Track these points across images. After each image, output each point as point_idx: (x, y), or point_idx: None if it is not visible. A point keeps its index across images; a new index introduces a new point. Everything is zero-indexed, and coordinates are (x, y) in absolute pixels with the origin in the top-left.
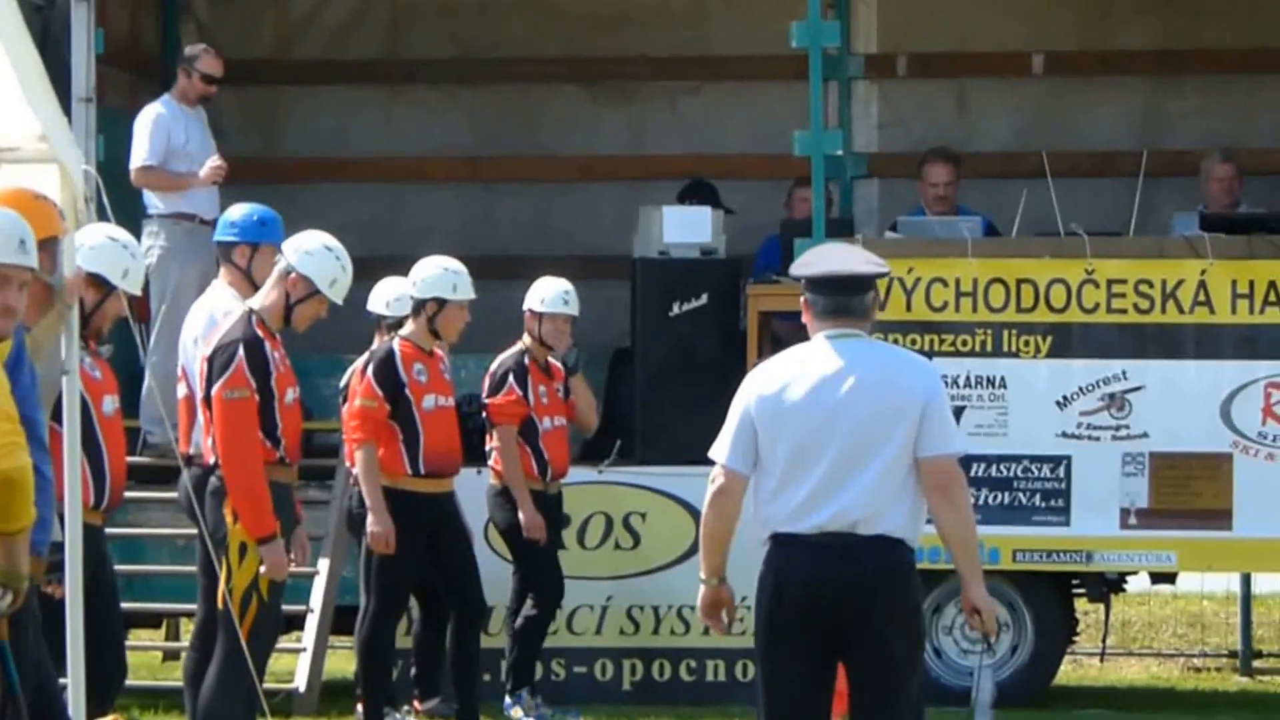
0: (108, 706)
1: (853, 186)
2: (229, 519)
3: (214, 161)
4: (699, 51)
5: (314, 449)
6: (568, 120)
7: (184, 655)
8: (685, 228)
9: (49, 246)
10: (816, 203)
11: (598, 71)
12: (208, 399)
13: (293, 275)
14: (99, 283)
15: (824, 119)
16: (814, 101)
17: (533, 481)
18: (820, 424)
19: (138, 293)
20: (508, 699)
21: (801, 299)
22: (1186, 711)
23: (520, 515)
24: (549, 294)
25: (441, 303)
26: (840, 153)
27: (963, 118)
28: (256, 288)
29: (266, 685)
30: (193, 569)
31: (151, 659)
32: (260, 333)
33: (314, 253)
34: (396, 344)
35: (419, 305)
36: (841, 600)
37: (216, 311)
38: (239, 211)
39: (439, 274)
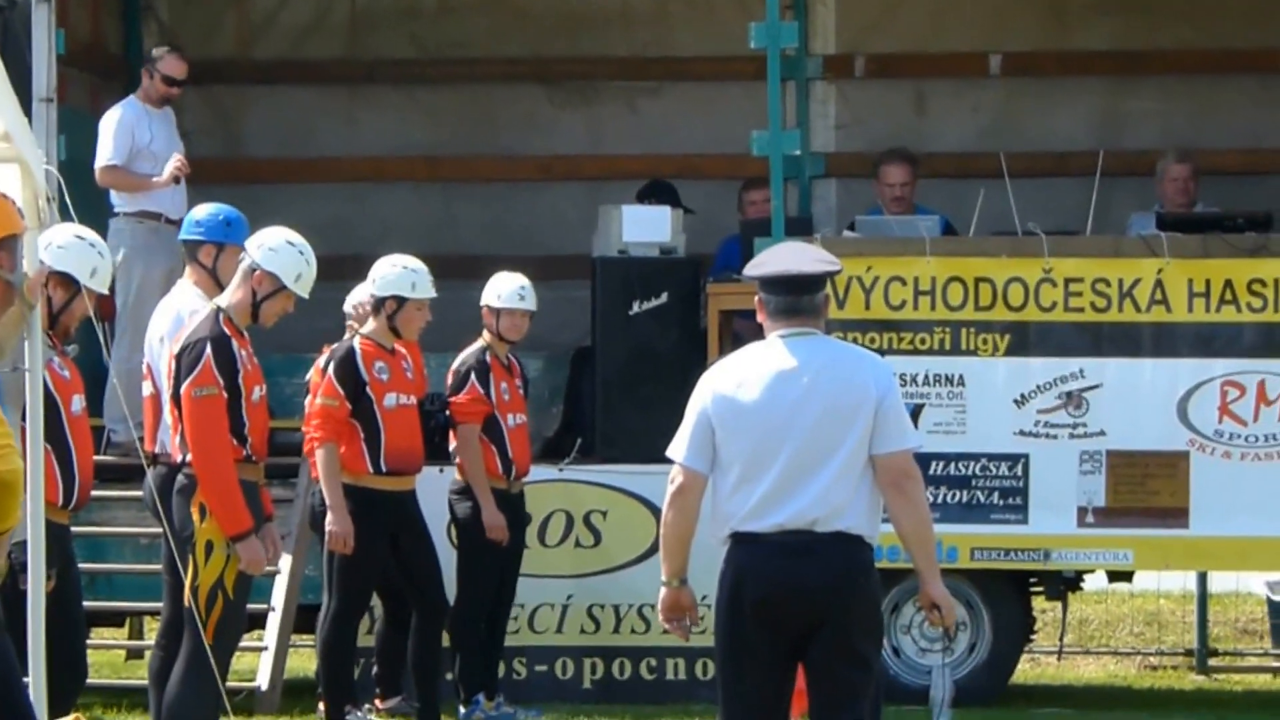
0: (68, 707)
1: (811, 186)
2: (196, 516)
3: (175, 160)
4: (658, 52)
5: (276, 447)
6: (528, 120)
7: (149, 654)
8: (645, 227)
9: (9, 245)
10: (775, 202)
11: (557, 72)
12: (176, 397)
13: (258, 272)
14: (67, 282)
15: (782, 119)
16: (772, 102)
17: (496, 480)
18: (776, 423)
19: (105, 291)
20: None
21: (756, 299)
22: (1143, 709)
23: (483, 515)
24: (505, 290)
25: (401, 301)
26: (799, 153)
27: (920, 118)
28: (222, 287)
29: (229, 684)
30: (156, 567)
31: (115, 657)
32: (227, 330)
33: (278, 249)
34: (357, 342)
35: (379, 303)
36: (802, 598)
37: (183, 310)
38: (204, 211)
39: (398, 272)
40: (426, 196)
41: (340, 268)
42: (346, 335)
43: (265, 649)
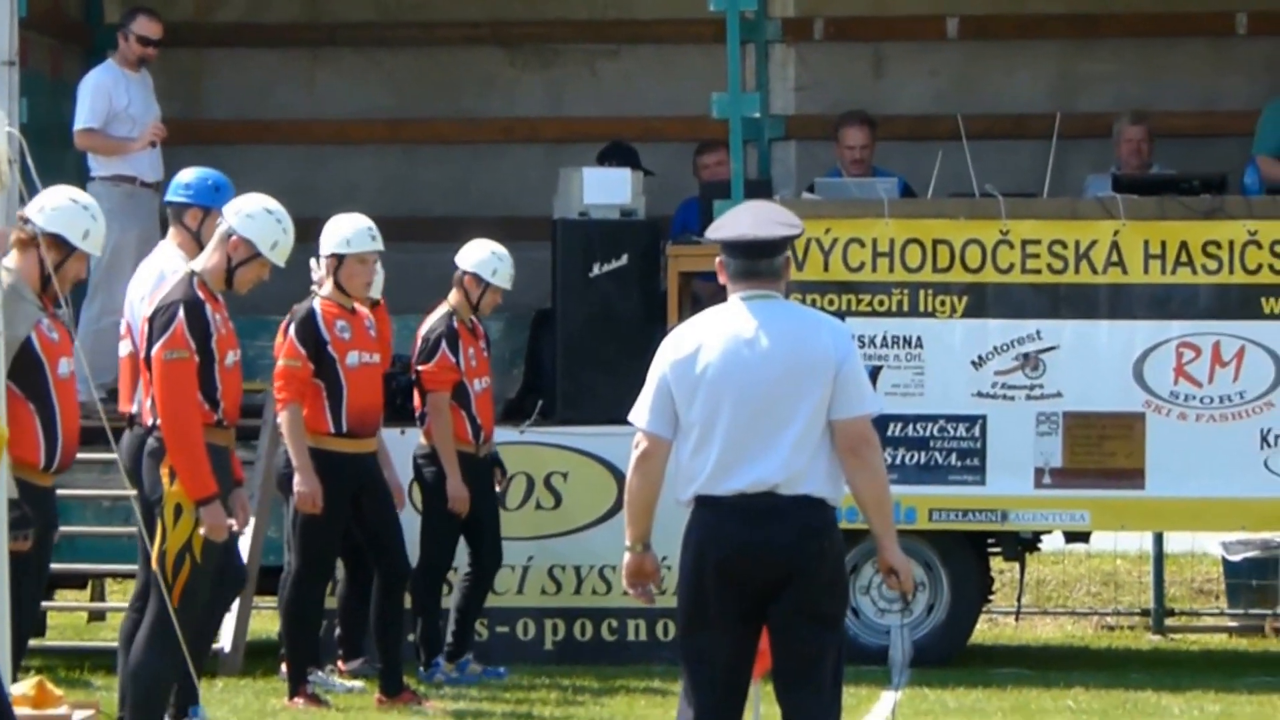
0: (19, 663)
1: (770, 149)
2: (165, 480)
3: (153, 125)
4: (618, 15)
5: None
6: (488, 83)
7: (123, 616)
8: (605, 189)
9: None
10: (735, 164)
11: (518, 35)
12: (148, 360)
13: (234, 238)
14: (60, 244)
15: (742, 82)
16: (732, 64)
17: (465, 445)
18: (733, 387)
19: (97, 253)
20: (443, 662)
21: (717, 260)
22: (1100, 669)
23: (448, 485)
24: (503, 270)
25: (340, 258)
26: (758, 115)
27: (879, 81)
28: (203, 249)
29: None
30: (119, 530)
31: (77, 620)
32: (201, 294)
33: (255, 215)
34: (318, 303)
35: (327, 263)
36: (765, 561)
37: (165, 271)
38: (193, 174)
39: (334, 229)
40: (387, 159)
41: (302, 230)
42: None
43: (228, 611)
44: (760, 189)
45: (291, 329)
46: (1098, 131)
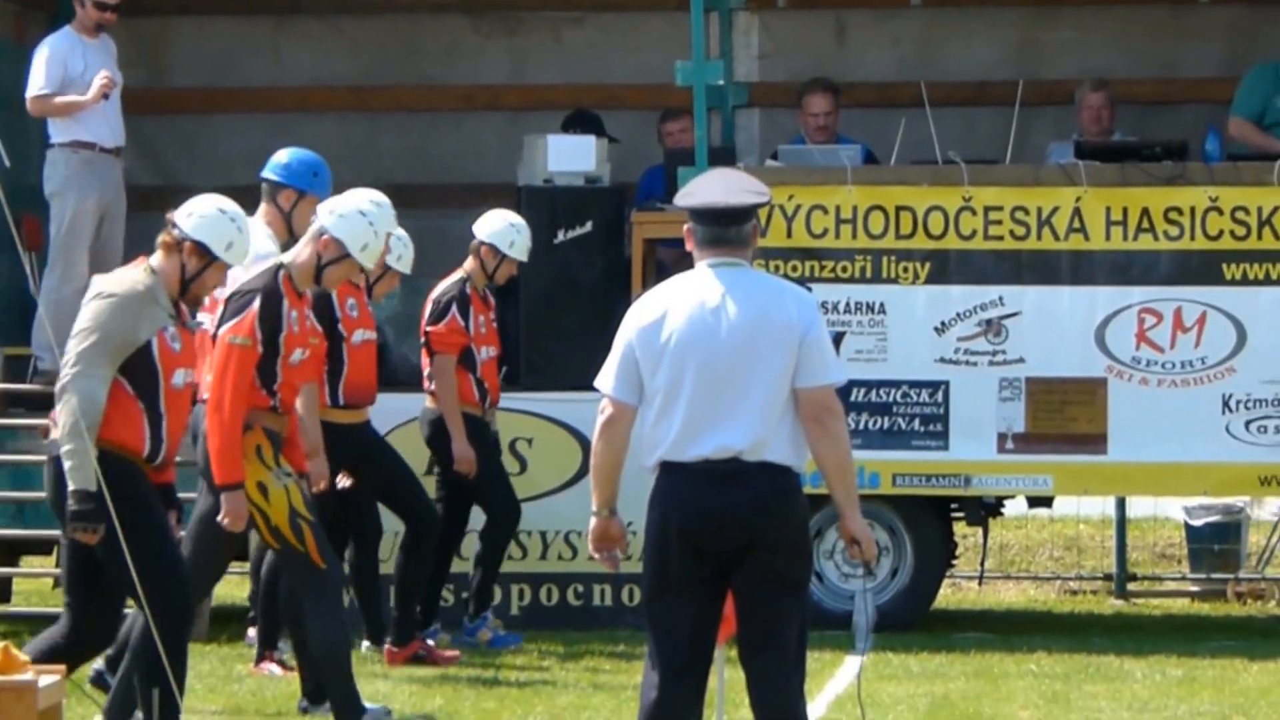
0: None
1: (734, 116)
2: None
3: (101, 77)
4: None
5: None
6: (451, 50)
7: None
8: (569, 156)
9: None
10: (699, 132)
11: (482, 2)
12: (215, 336)
13: (325, 237)
14: (202, 252)
15: (706, 49)
16: (695, 32)
17: (473, 408)
18: (698, 354)
19: (240, 265)
20: (468, 622)
21: (685, 227)
22: (1062, 634)
23: (453, 447)
24: (521, 241)
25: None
26: (722, 83)
27: (842, 48)
28: (293, 232)
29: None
30: None
31: (43, 585)
32: (284, 288)
33: (347, 216)
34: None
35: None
36: (729, 526)
37: (255, 248)
38: (293, 155)
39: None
40: (351, 126)
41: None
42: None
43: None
44: (724, 156)
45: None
46: (1060, 98)
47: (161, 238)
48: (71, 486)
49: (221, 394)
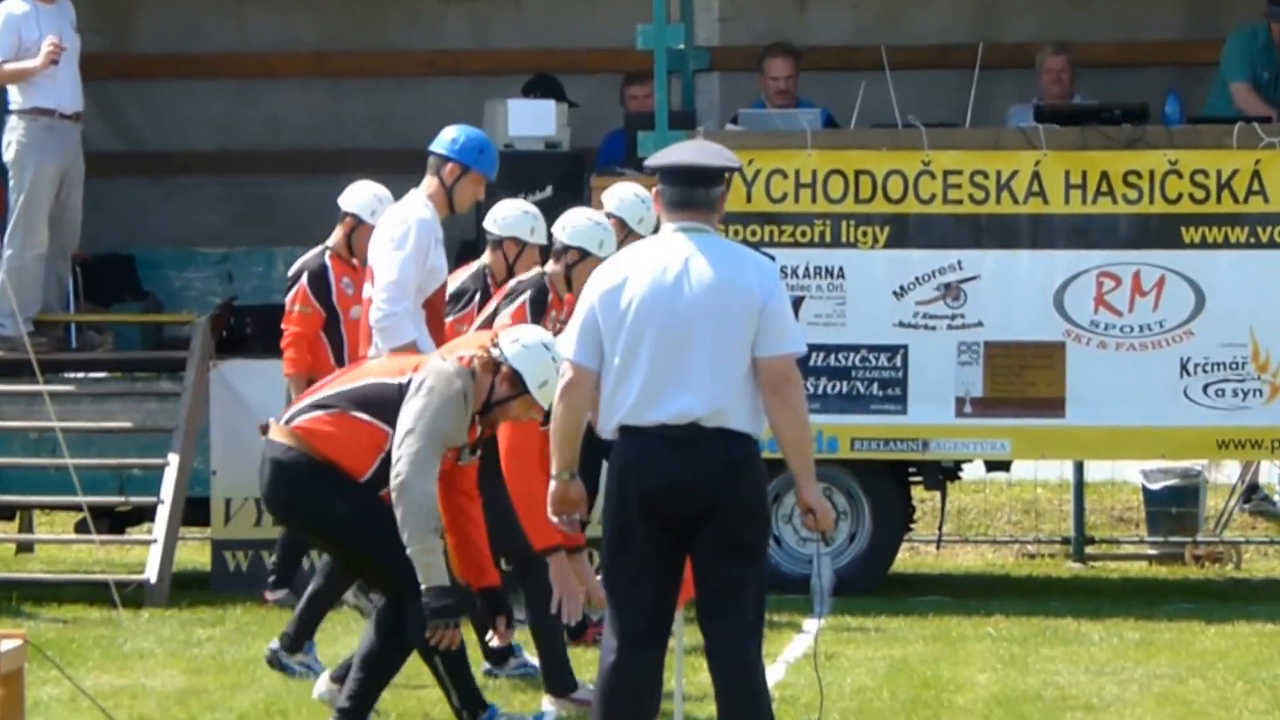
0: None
1: (695, 80)
2: None
3: (47, 44)
4: None
5: (165, 342)
6: (413, 16)
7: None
8: (530, 121)
9: None
10: (660, 96)
11: None
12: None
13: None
14: (516, 381)
15: (666, 13)
16: None
17: None
18: (658, 319)
19: (545, 404)
20: None
21: (653, 190)
22: (1020, 597)
23: None
24: (540, 226)
25: (358, 222)
26: (682, 47)
27: (802, 12)
28: (453, 207)
29: (118, 577)
30: (46, 461)
31: (5, 551)
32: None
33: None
34: (328, 257)
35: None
36: (687, 491)
37: (409, 218)
38: (462, 132)
39: (356, 193)
40: (314, 92)
41: (229, 163)
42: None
43: (154, 542)
44: (684, 121)
45: (305, 280)
46: (1020, 62)
47: (479, 353)
48: (426, 585)
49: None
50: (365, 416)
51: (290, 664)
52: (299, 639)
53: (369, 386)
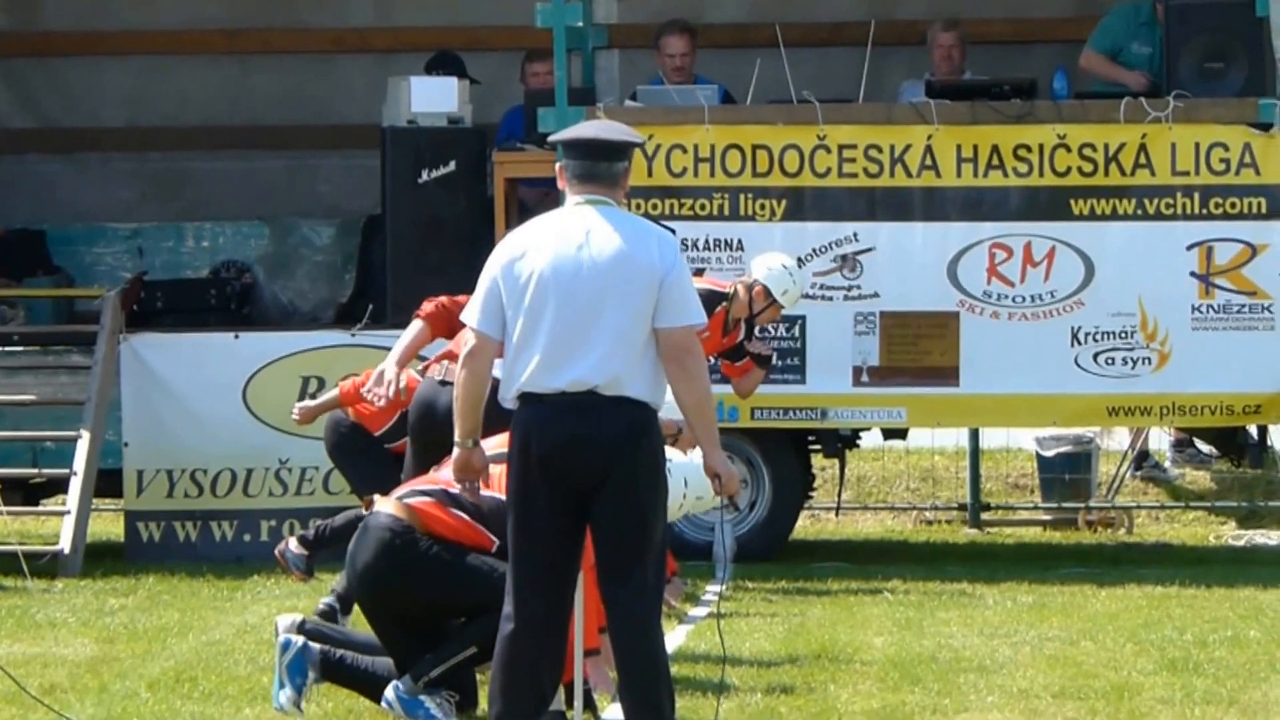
0: None
1: (594, 57)
2: None
3: None
4: None
5: (76, 316)
6: None
7: None
8: (432, 98)
9: None
10: (559, 73)
11: None
12: None
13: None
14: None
15: None
16: None
17: None
18: (559, 289)
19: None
20: None
21: (557, 165)
22: (918, 562)
23: None
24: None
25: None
26: (581, 24)
27: None
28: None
29: (31, 548)
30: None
31: None
32: None
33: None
34: None
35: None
36: (586, 456)
37: None
38: None
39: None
40: (223, 69)
41: (139, 140)
42: None
43: (67, 513)
44: (584, 97)
45: None
46: (912, 39)
47: None
48: None
49: None
50: None
51: None
52: None
53: None
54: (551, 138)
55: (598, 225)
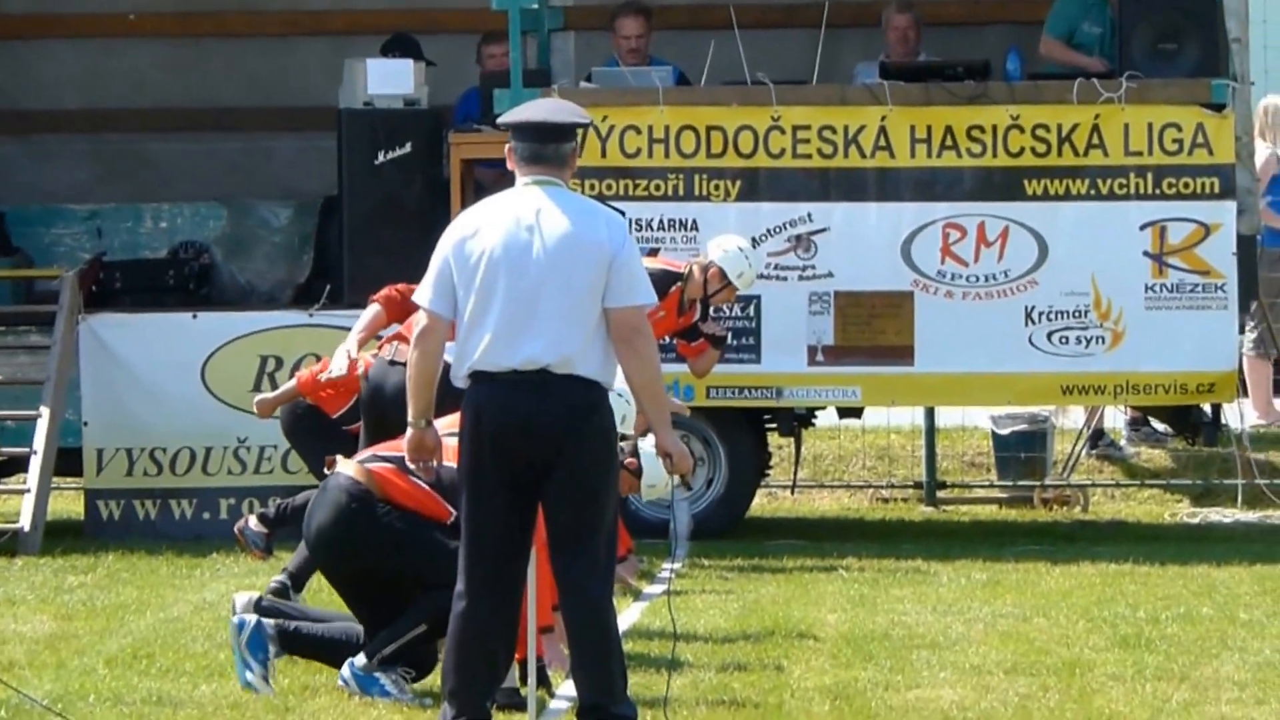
0: None
1: (549, 39)
2: None
3: None
4: None
5: (35, 296)
6: None
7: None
8: (388, 79)
9: None
10: (514, 55)
11: None
12: None
13: None
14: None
15: None
16: None
17: None
18: (510, 269)
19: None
20: None
21: (507, 146)
22: (873, 540)
23: None
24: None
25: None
26: (536, 6)
27: None
28: None
29: None
30: None
31: None
32: None
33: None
34: None
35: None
36: (537, 433)
37: None
38: None
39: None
40: (179, 51)
41: (95, 121)
42: None
43: (27, 491)
44: (539, 79)
45: None
46: (866, 21)
47: None
48: None
49: None
50: None
51: None
52: None
53: None
54: (500, 120)
55: (547, 206)
